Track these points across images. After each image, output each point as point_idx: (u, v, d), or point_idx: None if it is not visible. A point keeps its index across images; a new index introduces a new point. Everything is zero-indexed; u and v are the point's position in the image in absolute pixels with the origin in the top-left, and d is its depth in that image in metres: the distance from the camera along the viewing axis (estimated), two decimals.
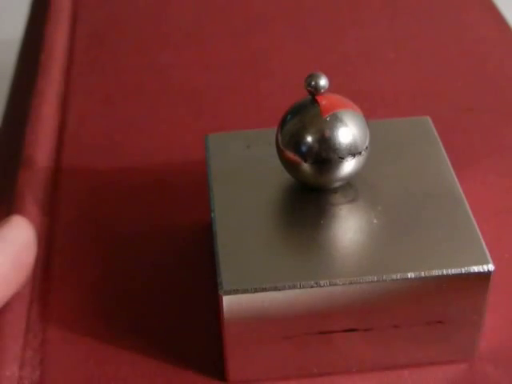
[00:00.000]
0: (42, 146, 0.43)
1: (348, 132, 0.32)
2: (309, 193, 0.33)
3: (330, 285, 0.30)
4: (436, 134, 0.36)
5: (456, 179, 0.34)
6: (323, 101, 0.32)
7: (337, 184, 0.33)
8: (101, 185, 0.41)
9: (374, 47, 0.51)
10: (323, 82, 0.32)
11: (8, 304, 0.35)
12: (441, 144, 0.36)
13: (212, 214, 0.33)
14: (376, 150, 0.34)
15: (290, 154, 0.32)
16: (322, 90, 0.32)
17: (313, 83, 0.32)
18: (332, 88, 0.33)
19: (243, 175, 0.35)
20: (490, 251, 0.31)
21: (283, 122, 0.33)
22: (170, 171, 0.42)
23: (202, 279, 0.36)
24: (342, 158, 0.32)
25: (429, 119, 0.37)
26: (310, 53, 0.51)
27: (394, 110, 0.46)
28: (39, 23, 0.54)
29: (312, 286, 0.30)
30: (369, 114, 0.34)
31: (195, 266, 0.37)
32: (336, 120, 0.32)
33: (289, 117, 0.33)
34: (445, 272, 0.30)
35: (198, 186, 0.39)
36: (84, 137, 0.45)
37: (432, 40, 0.51)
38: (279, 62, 0.50)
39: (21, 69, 0.53)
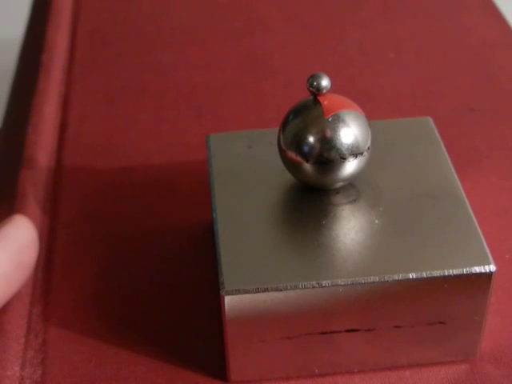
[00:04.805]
0: (43, 146, 0.43)
1: (350, 132, 0.32)
2: (310, 193, 0.33)
3: (332, 285, 0.30)
4: (437, 134, 0.36)
5: (457, 179, 0.34)
6: (325, 101, 0.32)
7: (338, 184, 0.33)
8: (102, 184, 0.41)
9: (375, 48, 0.51)
10: (325, 82, 0.32)
11: (9, 304, 0.35)
12: (442, 144, 0.36)
13: (214, 214, 0.33)
14: (378, 150, 0.34)
15: (292, 155, 0.32)
16: (324, 91, 0.32)
17: (315, 84, 0.32)
18: (334, 88, 0.33)
19: (245, 175, 0.35)
20: (491, 252, 0.31)
21: (285, 123, 0.33)
22: (171, 171, 0.42)
23: (203, 279, 0.36)
24: (343, 159, 0.32)
25: (430, 120, 0.37)
26: (311, 53, 0.51)
27: (396, 111, 0.46)
28: (40, 23, 0.54)
29: (314, 287, 0.30)
30: (370, 115, 0.34)
31: (197, 266, 0.37)
32: (338, 120, 0.32)
33: (291, 117, 0.33)
34: (446, 272, 0.30)
35: (200, 186, 0.39)
36: (85, 137, 0.45)
37: (433, 40, 0.51)
38: (281, 62, 0.50)
39: (21, 69, 0.53)
